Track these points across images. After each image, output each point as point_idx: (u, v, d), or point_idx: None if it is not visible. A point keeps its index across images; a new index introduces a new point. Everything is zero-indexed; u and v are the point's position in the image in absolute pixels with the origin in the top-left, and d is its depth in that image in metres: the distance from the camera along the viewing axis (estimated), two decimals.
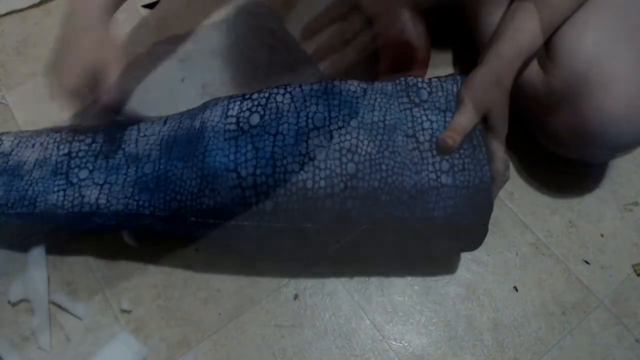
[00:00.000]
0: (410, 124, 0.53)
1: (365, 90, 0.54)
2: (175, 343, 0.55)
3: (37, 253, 0.58)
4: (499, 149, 0.53)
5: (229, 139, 0.52)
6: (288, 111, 0.52)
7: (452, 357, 0.55)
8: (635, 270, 0.61)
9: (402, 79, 0.55)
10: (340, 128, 0.51)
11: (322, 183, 0.50)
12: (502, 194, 0.64)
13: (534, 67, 0.59)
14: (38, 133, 0.58)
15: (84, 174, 0.54)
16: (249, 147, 0.51)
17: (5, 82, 0.72)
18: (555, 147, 0.61)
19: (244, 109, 0.53)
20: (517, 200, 0.64)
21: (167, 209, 0.52)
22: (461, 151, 0.52)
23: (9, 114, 0.69)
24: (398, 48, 0.66)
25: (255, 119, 0.52)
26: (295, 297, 0.58)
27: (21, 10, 0.79)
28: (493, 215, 0.63)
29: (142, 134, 0.56)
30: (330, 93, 0.53)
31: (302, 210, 0.50)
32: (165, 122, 0.56)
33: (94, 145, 0.56)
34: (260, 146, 0.51)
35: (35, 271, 0.57)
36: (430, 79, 0.55)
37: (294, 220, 0.51)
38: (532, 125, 0.63)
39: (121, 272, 0.58)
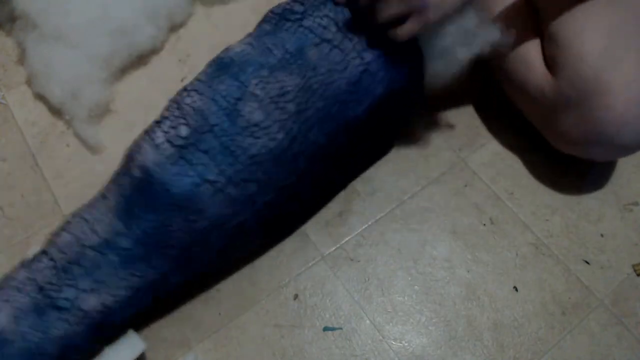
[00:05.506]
0: (309, 35, 0.53)
1: (252, 44, 0.54)
2: (175, 343, 0.55)
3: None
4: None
5: None
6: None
7: (452, 357, 0.55)
8: (635, 270, 0.61)
9: (270, 12, 0.56)
10: (256, 84, 0.51)
11: (280, 135, 0.51)
12: (502, 194, 0.64)
13: (541, 69, 0.59)
14: None
15: None
16: None
17: (5, 82, 0.72)
18: (564, 147, 0.61)
19: None
20: (517, 200, 0.64)
21: None
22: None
23: (9, 114, 0.69)
24: None
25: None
26: (295, 297, 0.58)
27: None
28: (493, 214, 0.63)
29: None
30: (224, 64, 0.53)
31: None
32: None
33: None
34: None
35: None
36: None
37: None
38: (540, 125, 0.63)
39: None
